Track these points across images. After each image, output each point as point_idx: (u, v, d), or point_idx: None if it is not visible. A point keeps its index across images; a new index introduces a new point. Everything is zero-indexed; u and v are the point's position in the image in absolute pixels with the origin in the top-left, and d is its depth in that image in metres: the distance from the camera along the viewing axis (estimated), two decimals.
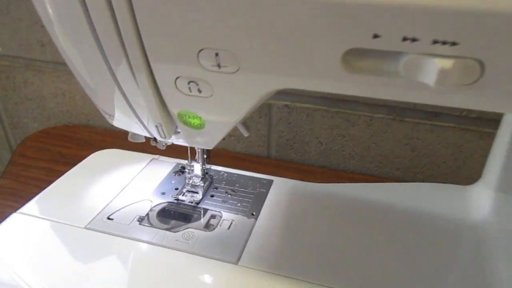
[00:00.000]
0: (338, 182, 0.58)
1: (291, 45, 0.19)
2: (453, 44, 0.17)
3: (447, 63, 0.17)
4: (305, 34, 0.19)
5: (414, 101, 0.20)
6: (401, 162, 0.58)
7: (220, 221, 0.35)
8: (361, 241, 0.33)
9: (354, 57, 0.19)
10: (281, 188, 0.40)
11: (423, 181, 0.57)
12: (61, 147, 0.62)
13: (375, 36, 0.18)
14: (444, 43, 0.17)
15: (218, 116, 0.25)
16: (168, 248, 0.32)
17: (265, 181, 0.41)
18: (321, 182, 0.59)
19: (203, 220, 0.35)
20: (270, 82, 0.22)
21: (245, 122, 0.35)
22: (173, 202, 0.37)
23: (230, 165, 0.62)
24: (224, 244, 0.32)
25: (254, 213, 0.36)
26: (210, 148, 0.31)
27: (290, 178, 0.60)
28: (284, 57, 0.20)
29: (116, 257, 0.31)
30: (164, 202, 0.37)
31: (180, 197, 0.37)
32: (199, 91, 0.24)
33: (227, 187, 0.39)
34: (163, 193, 0.38)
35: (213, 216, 0.35)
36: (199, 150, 0.37)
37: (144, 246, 0.32)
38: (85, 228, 0.33)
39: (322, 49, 0.19)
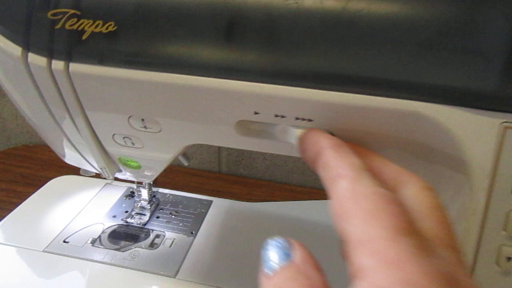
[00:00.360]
0: (282, 194, 0.65)
1: (198, 118, 0.26)
2: (310, 120, 0.24)
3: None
4: (207, 111, 0.25)
5: (286, 154, 0.27)
6: None
7: (163, 240, 0.41)
8: None
9: (243, 125, 0.26)
10: (219, 207, 0.46)
11: None
12: (21, 168, 0.66)
13: (256, 113, 0.25)
14: (303, 119, 0.24)
15: (150, 161, 0.31)
16: (117, 266, 0.37)
17: (205, 202, 0.47)
18: (266, 195, 0.65)
19: (148, 240, 0.41)
20: (186, 139, 0.28)
21: (185, 154, 0.41)
22: (123, 224, 0.42)
23: (184, 181, 0.67)
24: (165, 261, 0.38)
25: (193, 232, 0.42)
26: (151, 181, 0.37)
27: (239, 191, 0.66)
28: (194, 124, 0.26)
29: (70, 277, 0.36)
30: (115, 225, 0.42)
31: (129, 219, 0.43)
32: (133, 143, 0.29)
33: (172, 208, 0.45)
34: (114, 216, 0.43)
35: (157, 236, 0.41)
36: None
37: (96, 265, 0.37)
38: (43, 251, 0.38)
39: (219, 121, 0.26)
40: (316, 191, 0.67)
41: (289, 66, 0.23)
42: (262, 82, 0.23)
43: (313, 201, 0.48)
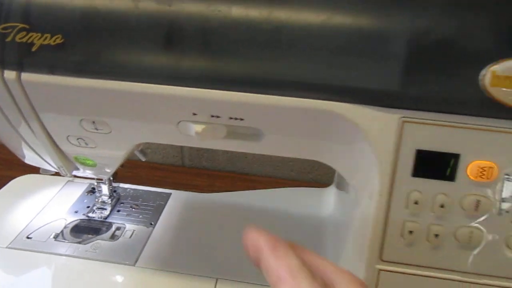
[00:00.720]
0: (243, 184, 0.68)
1: (143, 119, 0.29)
2: (241, 119, 0.27)
3: (199, 127, 0.27)
4: (150, 113, 0.28)
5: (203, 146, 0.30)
6: (295, 165, 0.69)
7: (124, 232, 0.43)
8: (235, 239, 0.43)
9: (183, 125, 0.29)
10: (177, 199, 0.49)
11: (312, 180, 0.69)
12: None
13: (194, 114, 0.28)
14: (236, 118, 0.27)
15: (104, 159, 0.34)
16: (79, 258, 0.40)
17: (164, 195, 0.50)
18: (228, 186, 0.69)
19: (109, 232, 0.43)
20: (135, 139, 0.31)
21: (142, 150, 0.43)
22: (85, 219, 0.45)
23: (148, 175, 0.70)
24: (125, 251, 0.41)
25: (152, 223, 0.45)
26: (109, 177, 0.40)
27: (201, 183, 0.69)
28: (140, 125, 0.29)
29: (34, 271, 0.38)
30: (77, 220, 0.44)
31: (90, 214, 0.45)
32: (86, 144, 0.32)
33: (132, 202, 0.48)
34: (76, 212, 0.46)
35: (118, 228, 0.44)
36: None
37: (59, 258, 0.40)
38: (7, 247, 0.40)
39: (162, 122, 0.29)
40: (275, 180, 0.71)
41: (222, 72, 0.26)
42: (199, 87, 0.26)
43: (261, 190, 0.52)
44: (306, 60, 0.25)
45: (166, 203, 0.48)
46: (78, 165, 0.36)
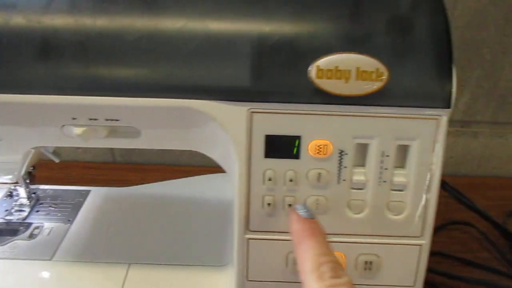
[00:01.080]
0: (175, 176, 0.71)
1: (30, 126, 0.32)
2: (117, 120, 0.31)
3: (80, 130, 0.31)
4: (35, 120, 0.31)
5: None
6: None
7: (42, 230, 0.46)
8: (148, 227, 0.47)
9: (66, 129, 0.32)
10: (96, 195, 0.52)
11: None
12: None
13: (73, 118, 0.31)
14: (112, 120, 0.31)
15: (5, 164, 0.37)
16: None
17: (83, 192, 0.53)
18: (160, 178, 0.72)
19: (27, 232, 0.46)
20: (27, 144, 0.34)
21: (54, 151, 0.46)
22: (3, 222, 0.47)
23: (79, 175, 0.72)
24: (42, 247, 0.44)
25: (70, 219, 0.48)
26: (14, 181, 0.43)
27: (134, 177, 0.72)
28: (29, 132, 0.32)
29: None
30: None
31: (8, 216, 0.48)
32: None
33: (51, 201, 0.51)
34: None
35: (36, 227, 0.47)
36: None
37: None
38: None
39: (48, 127, 0.32)
40: (205, 168, 0.75)
41: (94, 80, 0.29)
42: (75, 95, 0.30)
43: (177, 179, 0.56)
44: (165, 64, 0.29)
45: (85, 199, 0.51)
46: None
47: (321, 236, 0.27)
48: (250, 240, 0.33)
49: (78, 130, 0.31)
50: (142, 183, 0.60)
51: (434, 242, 0.57)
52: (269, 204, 0.32)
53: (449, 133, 0.73)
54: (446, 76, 0.29)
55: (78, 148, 0.76)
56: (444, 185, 0.66)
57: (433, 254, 0.54)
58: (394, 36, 0.29)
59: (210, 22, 0.30)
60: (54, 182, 0.55)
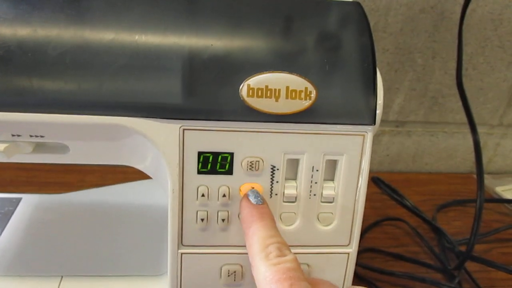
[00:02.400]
0: (114, 177, 0.69)
1: None
2: (42, 136, 0.30)
3: (1, 147, 0.30)
4: None
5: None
6: None
7: None
8: (81, 236, 0.46)
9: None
10: (28, 203, 0.50)
11: None
12: None
13: None
14: (36, 136, 0.30)
15: None
16: None
17: (14, 200, 0.50)
18: (99, 179, 0.70)
19: None
20: None
21: None
22: None
23: (12, 176, 0.68)
24: None
25: None
26: None
27: (71, 179, 0.69)
28: None
29: None
30: None
31: None
32: None
33: None
34: None
35: None
36: None
37: None
38: None
39: None
40: None
41: (15, 95, 0.28)
42: None
43: (115, 185, 0.55)
44: (92, 79, 0.28)
45: (15, 208, 0.49)
46: None
47: (269, 219, 0.29)
48: (183, 255, 0.33)
49: (0, 146, 0.29)
50: (81, 185, 0.58)
51: (368, 238, 0.60)
52: (202, 219, 0.32)
53: (385, 133, 0.77)
54: (371, 94, 0.31)
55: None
56: (379, 182, 0.69)
57: (367, 250, 0.58)
58: (322, 54, 0.30)
59: (139, 36, 0.29)
60: None
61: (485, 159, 0.79)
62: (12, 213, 0.48)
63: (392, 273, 0.52)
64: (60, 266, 0.42)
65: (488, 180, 0.76)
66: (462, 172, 0.80)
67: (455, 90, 0.71)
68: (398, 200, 0.65)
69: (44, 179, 0.70)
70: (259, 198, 0.30)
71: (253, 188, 0.31)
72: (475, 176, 0.78)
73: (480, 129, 0.70)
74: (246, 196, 0.31)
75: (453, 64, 0.68)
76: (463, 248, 0.55)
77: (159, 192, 0.52)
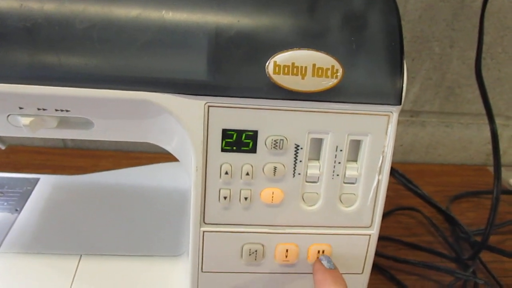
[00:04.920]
0: (128, 162, 0.70)
1: None
2: (67, 111, 0.30)
3: (27, 120, 0.30)
4: None
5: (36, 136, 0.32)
6: None
7: None
8: (100, 216, 0.46)
9: (12, 118, 0.31)
10: (46, 183, 0.50)
11: None
12: None
13: (20, 108, 0.30)
14: (62, 110, 0.30)
15: None
16: None
17: (32, 180, 0.51)
18: (113, 164, 0.70)
19: None
20: None
21: (0, 138, 0.44)
22: None
23: (28, 160, 0.69)
24: None
25: (18, 209, 0.46)
26: None
27: (85, 164, 0.70)
28: None
29: None
30: None
31: None
32: None
33: None
34: None
35: None
36: None
37: None
38: None
39: None
40: (158, 155, 0.74)
41: (43, 68, 0.28)
42: (22, 84, 0.28)
43: (132, 168, 0.55)
44: (118, 54, 0.28)
45: (33, 188, 0.49)
46: None
47: (343, 285, 0.30)
48: (205, 233, 0.33)
49: (25, 120, 0.29)
50: (95, 170, 0.58)
51: (382, 227, 0.60)
52: (225, 197, 0.32)
53: (399, 123, 0.76)
54: (398, 74, 0.30)
55: None
56: (393, 172, 0.69)
57: (381, 238, 0.58)
58: (349, 33, 0.30)
59: (166, 12, 0.29)
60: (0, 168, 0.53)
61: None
62: (31, 192, 0.49)
63: (406, 261, 0.52)
64: (79, 245, 0.42)
65: (502, 172, 0.75)
66: (476, 164, 0.80)
67: (472, 81, 0.70)
68: (412, 190, 0.65)
69: (59, 162, 0.70)
70: (331, 263, 0.33)
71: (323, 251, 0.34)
72: (488, 168, 0.78)
73: (495, 120, 0.69)
74: (319, 260, 0.33)
75: (471, 54, 0.67)
76: (476, 239, 0.55)
77: (177, 174, 0.53)
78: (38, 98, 0.29)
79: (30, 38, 0.28)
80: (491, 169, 0.77)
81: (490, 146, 0.77)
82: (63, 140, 0.75)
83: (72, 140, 0.75)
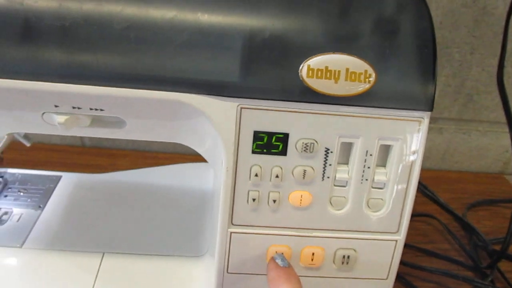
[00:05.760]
0: (145, 162, 0.70)
1: (11, 111, 0.30)
2: (101, 110, 0.30)
3: (62, 118, 0.30)
4: (15, 106, 0.30)
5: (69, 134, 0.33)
6: None
7: (11, 216, 0.45)
8: (122, 215, 0.46)
9: (47, 116, 0.31)
10: (68, 181, 0.51)
11: None
12: None
13: (56, 106, 0.30)
14: (96, 109, 0.30)
15: None
16: None
17: (54, 177, 0.51)
18: (130, 164, 0.70)
19: None
20: (6, 129, 0.33)
21: (26, 135, 0.44)
22: None
23: (46, 158, 0.69)
24: (12, 234, 0.42)
25: (41, 206, 0.46)
26: None
27: (103, 162, 0.70)
28: (8, 117, 0.31)
29: None
30: None
31: None
32: None
33: (20, 186, 0.49)
34: None
35: (5, 213, 0.45)
36: None
37: None
38: None
39: (28, 113, 0.31)
40: (175, 155, 0.74)
41: (79, 67, 0.28)
42: (58, 82, 0.29)
43: (151, 167, 0.55)
44: (153, 55, 0.29)
45: (56, 185, 0.50)
46: None
47: (296, 282, 0.30)
48: (232, 234, 0.33)
49: (60, 119, 0.30)
50: (112, 169, 0.58)
51: None
52: (253, 199, 0.32)
53: None
54: (430, 80, 0.30)
55: None
56: None
57: None
58: (381, 38, 0.30)
59: (202, 14, 0.29)
60: (19, 164, 0.53)
61: None
62: (53, 190, 0.49)
63: (423, 268, 0.52)
64: (102, 243, 0.43)
65: None
66: (493, 172, 0.79)
67: (491, 88, 0.70)
68: (429, 196, 0.65)
69: (77, 160, 0.71)
70: (285, 261, 0.32)
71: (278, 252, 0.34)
72: (506, 176, 0.77)
73: None
74: (273, 259, 0.33)
75: (491, 61, 0.67)
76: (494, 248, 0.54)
77: (197, 175, 0.53)
78: (73, 97, 0.29)
79: (67, 37, 0.28)
80: (508, 177, 0.77)
81: (507, 155, 0.77)
82: (81, 138, 0.75)
83: (90, 138, 0.75)
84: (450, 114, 0.72)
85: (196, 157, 0.75)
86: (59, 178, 0.51)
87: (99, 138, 0.74)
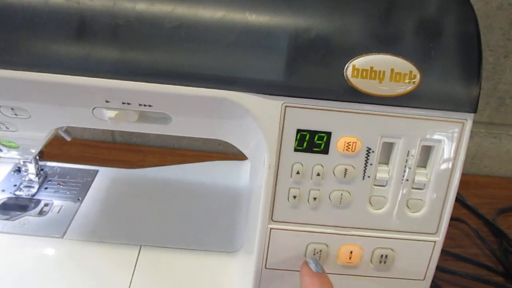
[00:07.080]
0: (174, 159, 0.71)
1: (60, 106, 0.32)
2: (150, 106, 0.31)
3: (112, 113, 0.31)
4: (66, 101, 0.31)
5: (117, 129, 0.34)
6: (221, 140, 0.73)
7: (52, 208, 0.46)
8: (159, 209, 0.48)
9: (97, 111, 0.32)
10: (105, 175, 0.52)
11: (236, 153, 0.74)
12: None
13: (107, 101, 0.31)
14: (145, 105, 0.31)
15: (26, 141, 0.37)
16: (7, 233, 0.42)
17: (91, 171, 0.53)
18: (159, 160, 0.72)
19: (37, 209, 0.46)
20: (54, 123, 0.34)
21: (66, 130, 0.46)
22: (12, 197, 0.47)
23: (78, 152, 0.71)
24: (53, 225, 0.44)
25: (80, 198, 0.48)
26: (32, 156, 0.42)
27: (132, 158, 0.72)
28: (58, 111, 0.32)
29: None
30: (4, 198, 0.46)
31: (18, 192, 0.47)
32: (7, 128, 0.34)
33: (59, 179, 0.50)
34: (3, 190, 0.47)
35: (46, 204, 0.46)
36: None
37: None
38: None
39: (78, 108, 0.32)
40: (203, 153, 0.75)
41: (130, 64, 0.29)
42: (109, 78, 0.30)
43: (184, 164, 0.56)
44: (202, 53, 0.30)
45: (93, 179, 0.51)
46: (2, 147, 0.38)
47: None
48: (272, 230, 0.34)
49: (111, 113, 0.31)
50: (142, 165, 0.60)
51: None
52: (294, 196, 0.33)
53: None
54: (474, 82, 0.30)
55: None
56: None
57: None
58: (426, 39, 0.30)
59: (250, 14, 0.30)
60: (53, 158, 0.55)
61: None
62: (91, 183, 0.51)
63: (454, 272, 0.52)
64: (139, 236, 0.44)
65: None
66: None
67: None
68: (459, 200, 0.64)
69: (107, 156, 0.72)
70: (319, 267, 0.32)
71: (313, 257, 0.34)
72: None
73: None
74: (306, 263, 0.32)
75: None
76: None
77: (229, 172, 0.54)
78: (124, 93, 0.30)
79: (120, 35, 0.29)
80: None
81: None
82: (112, 134, 0.77)
83: (121, 134, 0.77)
84: (481, 118, 0.71)
85: (222, 155, 0.77)
86: (96, 172, 0.53)
87: (130, 134, 0.76)
